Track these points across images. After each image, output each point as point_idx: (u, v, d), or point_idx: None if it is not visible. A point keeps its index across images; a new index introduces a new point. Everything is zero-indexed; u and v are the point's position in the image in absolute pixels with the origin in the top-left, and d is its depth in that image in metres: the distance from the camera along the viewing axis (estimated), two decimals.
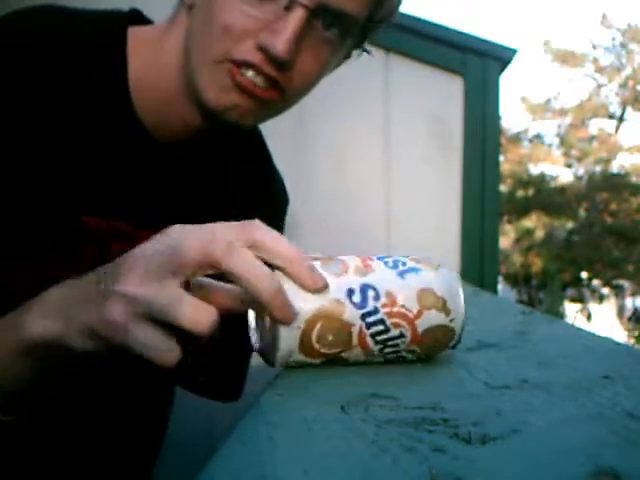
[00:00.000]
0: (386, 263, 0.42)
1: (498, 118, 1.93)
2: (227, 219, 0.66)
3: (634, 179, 11.28)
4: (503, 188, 10.42)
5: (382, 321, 0.40)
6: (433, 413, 0.30)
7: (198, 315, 0.35)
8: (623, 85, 11.87)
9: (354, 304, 0.39)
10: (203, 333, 0.35)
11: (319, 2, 0.50)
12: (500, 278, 8.93)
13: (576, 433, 0.28)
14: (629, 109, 12.05)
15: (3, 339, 0.42)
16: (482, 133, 1.87)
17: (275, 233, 0.38)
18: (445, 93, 1.87)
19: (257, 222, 0.39)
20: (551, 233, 11.08)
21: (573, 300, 9.51)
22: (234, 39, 0.50)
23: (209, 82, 0.52)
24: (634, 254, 9.86)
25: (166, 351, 0.36)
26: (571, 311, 7.98)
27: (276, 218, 0.73)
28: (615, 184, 10.78)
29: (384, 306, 0.40)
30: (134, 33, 0.58)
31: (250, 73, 0.51)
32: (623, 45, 11.78)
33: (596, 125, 12.40)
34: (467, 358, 0.46)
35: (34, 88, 0.52)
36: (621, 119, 12.17)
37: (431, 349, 0.44)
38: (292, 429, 0.29)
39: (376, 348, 0.41)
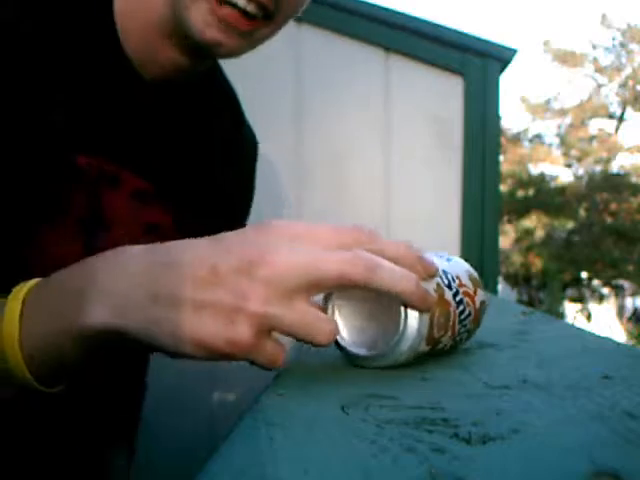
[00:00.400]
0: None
1: (498, 118, 1.93)
2: (205, 161, 0.66)
3: (634, 179, 11.28)
4: (503, 188, 10.41)
5: (462, 301, 0.44)
6: (433, 413, 0.30)
7: (326, 330, 0.35)
8: (623, 85, 11.87)
9: (446, 285, 0.42)
10: (328, 345, 0.36)
11: None
12: (500, 278, 8.93)
13: (576, 433, 0.28)
14: (629, 109, 12.05)
15: (48, 320, 0.38)
16: (482, 133, 1.87)
17: (382, 238, 0.38)
18: (445, 93, 1.87)
19: (367, 230, 0.38)
20: (551, 233, 11.08)
21: (573, 300, 9.51)
22: None
23: (193, 17, 0.52)
24: (634, 254, 9.86)
25: (280, 359, 0.36)
26: (571, 311, 7.98)
27: (251, 160, 0.76)
28: (615, 184, 10.78)
29: (460, 286, 0.44)
30: None
31: (240, 1, 0.51)
32: (623, 45, 11.78)
33: (596, 125, 12.40)
34: (467, 358, 0.46)
35: (15, 24, 0.50)
36: (621, 119, 12.18)
37: (475, 329, 0.48)
38: (292, 429, 0.29)
39: (458, 328, 0.44)
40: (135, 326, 0.35)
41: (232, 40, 0.53)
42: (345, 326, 0.42)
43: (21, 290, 0.39)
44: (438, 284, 0.42)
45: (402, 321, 0.39)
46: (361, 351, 0.41)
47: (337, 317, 0.42)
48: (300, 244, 0.35)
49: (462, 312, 0.44)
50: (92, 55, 0.55)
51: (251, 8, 0.51)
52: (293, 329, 0.35)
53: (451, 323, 0.43)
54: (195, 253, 0.35)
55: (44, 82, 0.51)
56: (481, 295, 0.47)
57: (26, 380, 0.38)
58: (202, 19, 0.52)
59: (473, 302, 0.46)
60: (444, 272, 0.43)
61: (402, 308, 0.39)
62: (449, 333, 0.43)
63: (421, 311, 0.39)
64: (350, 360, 0.42)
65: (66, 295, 0.38)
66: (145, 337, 0.35)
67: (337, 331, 0.37)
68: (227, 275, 0.34)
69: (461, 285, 0.44)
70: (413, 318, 0.39)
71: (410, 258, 0.38)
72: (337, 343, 0.42)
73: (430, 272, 0.40)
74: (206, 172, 0.67)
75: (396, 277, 0.36)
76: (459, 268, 0.46)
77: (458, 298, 0.43)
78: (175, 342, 0.34)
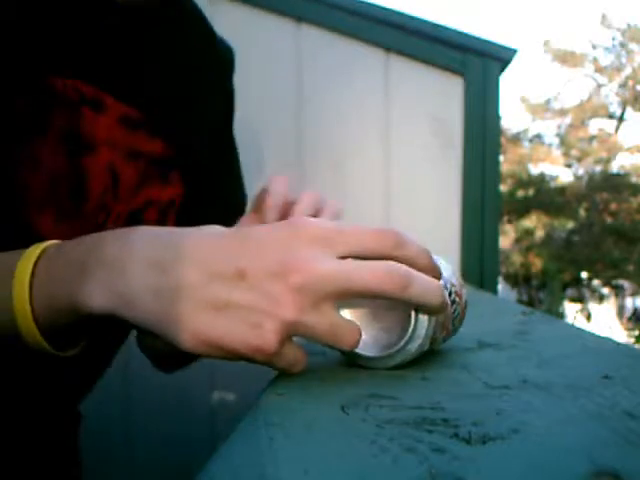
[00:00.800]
0: None
1: (498, 118, 1.93)
2: (183, 82, 0.65)
3: (634, 179, 11.28)
4: (503, 188, 10.41)
5: (455, 301, 0.45)
6: (433, 413, 0.30)
7: (351, 338, 0.36)
8: (623, 85, 11.87)
9: (444, 287, 0.43)
10: (352, 349, 0.37)
11: None
12: (500, 278, 8.93)
13: (576, 433, 0.28)
14: (629, 109, 12.05)
15: (52, 286, 0.36)
16: (482, 133, 1.87)
17: (412, 244, 0.38)
18: (445, 93, 1.87)
19: (396, 234, 0.37)
20: (551, 233, 11.08)
21: (573, 300, 9.51)
22: None
23: None
24: (634, 254, 9.86)
25: (301, 362, 0.37)
26: (571, 311, 7.97)
27: (228, 70, 0.74)
28: (615, 184, 10.78)
29: (452, 286, 0.45)
30: None
31: None
32: (623, 45, 11.78)
33: (596, 125, 12.40)
34: (467, 358, 0.46)
35: None
36: (621, 119, 12.17)
37: (459, 327, 0.49)
38: (292, 429, 0.29)
39: (450, 327, 0.45)
40: (137, 318, 0.34)
41: None
42: None
43: (34, 251, 0.38)
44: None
45: (413, 323, 0.39)
46: (366, 352, 0.41)
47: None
48: (332, 248, 0.35)
49: (454, 311, 0.45)
50: None
51: None
52: (321, 336, 0.35)
53: (447, 323, 0.44)
54: (218, 247, 0.34)
55: (13, 4, 0.50)
56: (465, 294, 0.49)
57: (37, 341, 0.37)
58: None
59: (461, 301, 0.47)
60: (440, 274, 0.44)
61: (413, 311, 0.39)
62: (444, 332, 0.44)
63: (435, 315, 0.40)
64: (352, 360, 0.42)
65: (71, 266, 0.36)
66: (145, 326, 0.34)
67: (360, 335, 0.37)
68: (257, 278, 0.33)
69: (452, 285, 0.45)
70: (424, 320, 0.40)
71: (433, 267, 0.39)
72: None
73: (436, 274, 0.40)
74: (186, 94, 0.66)
75: (428, 291, 0.36)
76: (448, 268, 0.46)
77: (452, 298, 0.44)
78: (186, 338, 0.33)
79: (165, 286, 0.33)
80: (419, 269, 0.37)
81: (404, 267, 0.36)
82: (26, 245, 0.40)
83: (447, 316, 0.43)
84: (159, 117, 0.61)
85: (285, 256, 0.33)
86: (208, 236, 0.35)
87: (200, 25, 0.71)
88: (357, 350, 0.41)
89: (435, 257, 0.46)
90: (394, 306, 0.40)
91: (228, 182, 0.77)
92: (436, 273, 0.39)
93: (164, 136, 0.61)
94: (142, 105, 0.59)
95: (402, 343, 0.40)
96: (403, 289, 0.35)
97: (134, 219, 0.60)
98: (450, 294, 0.44)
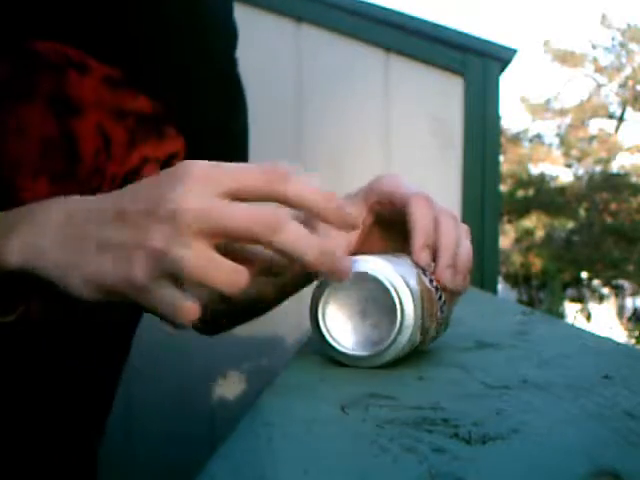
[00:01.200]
0: None
1: (498, 118, 1.93)
2: (168, 33, 0.62)
3: (634, 179, 11.28)
4: (503, 188, 10.41)
5: (438, 287, 0.44)
6: (433, 413, 0.30)
7: (231, 279, 0.34)
8: (623, 85, 11.87)
9: (423, 273, 0.43)
10: (234, 295, 0.34)
11: None
12: (500, 278, 8.93)
13: (576, 433, 0.28)
14: (629, 109, 12.05)
15: None
16: (482, 133, 1.87)
17: (299, 180, 0.36)
18: (445, 93, 1.87)
19: (282, 171, 0.35)
20: (551, 233, 11.08)
21: (573, 300, 9.51)
22: None
23: None
24: (634, 254, 9.86)
25: (184, 308, 0.34)
26: (571, 311, 7.98)
27: (229, 11, 0.70)
28: (615, 184, 10.78)
29: (432, 274, 0.44)
30: None
31: None
32: (623, 45, 11.78)
33: (596, 125, 12.41)
34: (466, 358, 0.46)
35: None
36: (621, 119, 12.18)
37: (450, 316, 0.48)
38: (292, 429, 0.29)
39: (439, 315, 0.44)
40: (46, 270, 0.35)
41: None
42: (338, 328, 0.42)
43: None
44: (417, 274, 0.42)
45: (399, 314, 0.39)
46: (358, 352, 0.41)
47: (329, 320, 0.42)
48: (212, 187, 0.34)
49: (440, 298, 0.44)
50: None
51: None
52: (192, 273, 0.33)
53: (435, 310, 0.43)
54: (107, 199, 0.36)
55: None
56: None
57: None
58: None
59: (444, 288, 0.46)
60: (414, 263, 0.44)
61: (397, 301, 0.39)
62: (435, 321, 0.44)
63: (330, 277, 0.38)
64: (347, 362, 0.42)
65: (3, 226, 0.38)
66: (56, 281, 0.35)
67: (248, 279, 0.34)
68: (133, 216, 0.34)
69: (432, 273, 0.44)
70: (410, 310, 0.39)
71: (329, 211, 0.37)
72: (331, 346, 0.42)
73: (351, 224, 0.38)
74: (172, 48, 0.63)
75: (299, 241, 0.34)
76: (402, 260, 0.46)
77: (434, 284, 0.44)
78: (81, 285, 0.35)
79: (69, 236, 0.36)
80: (315, 212, 0.36)
81: (282, 211, 0.35)
82: None
83: (433, 302, 0.43)
84: (142, 74, 0.59)
85: (160, 193, 0.34)
86: (107, 194, 0.37)
87: None
88: (349, 350, 0.41)
89: (391, 256, 0.45)
90: (382, 300, 0.40)
91: (230, 124, 0.72)
92: (338, 218, 0.37)
93: (150, 93, 0.59)
94: (124, 64, 0.58)
95: (392, 336, 0.39)
96: (272, 233, 0.34)
97: (131, 178, 0.59)
98: (431, 280, 0.43)
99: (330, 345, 0.42)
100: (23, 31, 0.51)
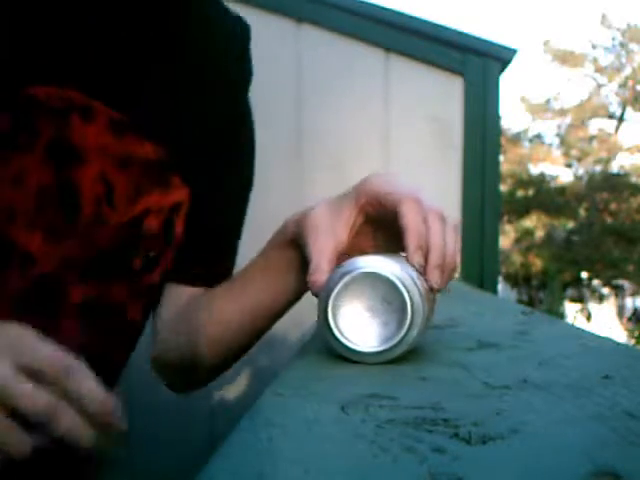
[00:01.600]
0: None
1: (498, 118, 1.93)
2: (182, 74, 0.61)
3: (634, 179, 11.28)
4: (503, 188, 10.41)
5: (430, 286, 0.46)
6: (433, 413, 0.30)
7: (16, 448, 0.35)
8: (623, 85, 11.87)
9: (415, 270, 0.44)
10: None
11: None
12: (500, 278, 8.93)
13: (576, 433, 0.28)
14: (629, 109, 12.05)
15: None
16: (482, 133, 1.87)
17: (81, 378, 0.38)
18: (445, 93, 1.87)
19: (69, 364, 0.38)
20: (551, 233, 11.07)
21: (573, 300, 9.51)
22: None
23: None
24: (634, 254, 9.86)
25: (16, 445, 0.36)
26: (571, 311, 7.97)
27: (242, 52, 0.68)
28: (615, 184, 10.78)
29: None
30: None
31: None
32: (623, 45, 11.78)
33: (596, 125, 12.39)
34: (467, 358, 0.46)
35: None
36: (621, 119, 12.17)
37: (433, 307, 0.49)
38: (292, 429, 0.29)
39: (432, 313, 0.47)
40: None
41: None
42: (347, 326, 0.42)
43: None
44: (418, 273, 0.44)
45: (410, 312, 0.41)
46: (368, 348, 0.42)
47: (339, 318, 0.42)
48: (13, 357, 0.37)
49: (434, 296, 0.47)
50: None
51: None
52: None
53: (433, 308, 0.46)
54: None
55: None
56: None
57: None
58: None
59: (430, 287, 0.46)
60: (405, 265, 0.44)
61: (408, 299, 0.41)
62: (431, 318, 0.46)
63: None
64: (356, 359, 0.42)
65: None
66: None
67: (30, 449, 0.36)
68: None
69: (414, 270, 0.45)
70: (420, 308, 0.41)
71: (100, 411, 0.38)
72: (341, 343, 0.42)
73: (108, 425, 0.38)
74: (180, 93, 0.61)
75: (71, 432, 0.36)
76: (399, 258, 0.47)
77: (428, 283, 0.45)
78: None
79: None
80: (85, 408, 0.37)
81: (44, 399, 0.36)
82: (13, 267, 0.41)
83: (431, 301, 0.45)
84: (148, 119, 0.58)
85: None
86: None
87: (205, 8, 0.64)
88: (359, 347, 0.42)
89: (396, 255, 0.46)
90: (390, 299, 0.41)
91: (232, 179, 0.71)
92: (104, 416, 0.37)
93: (155, 138, 0.58)
94: (130, 108, 0.56)
95: (402, 334, 0.41)
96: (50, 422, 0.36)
97: (134, 229, 0.58)
98: (425, 280, 0.44)
99: (340, 342, 0.42)
100: (24, 77, 0.50)
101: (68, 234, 0.54)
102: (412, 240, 0.44)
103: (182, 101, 0.62)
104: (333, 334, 0.42)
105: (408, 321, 0.41)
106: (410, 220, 0.45)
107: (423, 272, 0.44)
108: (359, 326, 0.42)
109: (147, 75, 0.58)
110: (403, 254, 0.46)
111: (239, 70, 0.68)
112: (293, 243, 0.55)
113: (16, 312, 0.52)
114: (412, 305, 0.41)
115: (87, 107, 0.53)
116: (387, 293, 0.42)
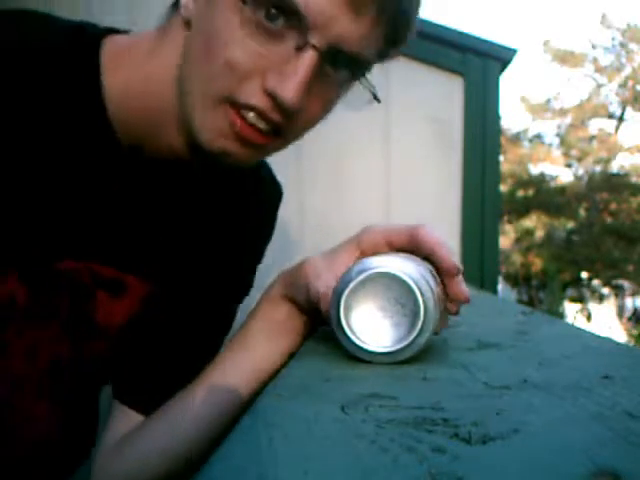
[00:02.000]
0: None
1: (498, 118, 1.93)
2: (217, 247, 0.61)
3: (634, 179, 11.27)
4: (503, 188, 10.41)
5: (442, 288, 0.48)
6: (433, 413, 0.30)
7: None
8: (623, 85, 11.87)
9: (432, 277, 0.45)
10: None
11: (332, 45, 0.45)
12: (500, 278, 8.93)
13: (576, 433, 0.28)
14: (629, 109, 12.05)
15: None
16: (482, 133, 1.87)
17: None
18: (445, 93, 1.87)
19: None
20: (551, 233, 11.07)
21: (573, 300, 9.51)
22: (239, 78, 0.45)
23: (205, 123, 0.47)
24: (634, 254, 9.86)
25: None
26: (571, 311, 7.98)
27: (270, 220, 0.69)
28: (615, 184, 10.78)
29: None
30: (112, 41, 0.51)
31: (252, 115, 0.46)
32: (623, 45, 11.78)
33: (596, 125, 12.41)
34: (467, 358, 0.46)
35: None
36: (621, 119, 12.17)
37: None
38: (292, 429, 0.29)
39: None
40: None
41: (244, 151, 0.49)
42: (360, 325, 0.42)
43: None
44: (432, 273, 0.45)
45: (422, 317, 0.41)
46: (380, 348, 0.42)
47: (351, 316, 0.42)
48: None
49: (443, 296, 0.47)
50: (74, 139, 0.49)
51: (264, 126, 0.47)
52: None
53: (443, 307, 0.46)
54: None
55: (14, 172, 0.46)
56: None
57: None
58: (217, 128, 0.47)
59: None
60: (425, 263, 0.46)
61: (421, 300, 0.41)
62: (442, 317, 0.46)
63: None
64: (369, 358, 0.42)
65: None
66: None
67: None
68: None
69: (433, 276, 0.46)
70: (433, 314, 0.41)
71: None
72: (353, 343, 0.42)
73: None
74: (216, 258, 0.62)
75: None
76: (418, 261, 0.47)
77: (439, 282, 0.46)
78: None
79: None
80: None
81: None
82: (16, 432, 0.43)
83: (442, 300, 0.45)
84: (176, 286, 0.58)
85: None
86: None
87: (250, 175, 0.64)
88: (369, 346, 0.42)
89: (411, 257, 0.46)
90: (403, 301, 0.42)
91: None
92: None
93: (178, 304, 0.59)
94: (159, 277, 0.56)
95: (412, 337, 0.41)
96: None
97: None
98: (437, 280, 0.45)
99: (352, 341, 0.42)
100: (49, 252, 0.48)
101: (75, 401, 0.54)
102: (444, 253, 0.45)
103: (205, 272, 0.61)
104: (344, 332, 0.42)
105: (420, 324, 0.41)
106: (434, 243, 0.46)
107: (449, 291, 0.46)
108: (371, 325, 0.42)
109: (175, 251, 0.58)
110: (416, 256, 0.46)
111: (266, 234, 0.69)
112: (286, 297, 0.54)
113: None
114: (425, 308, 0.41)
115: (118, 281, 0.53)
116: (401, 294, 0.42)
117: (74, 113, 0.49)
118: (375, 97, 0.53)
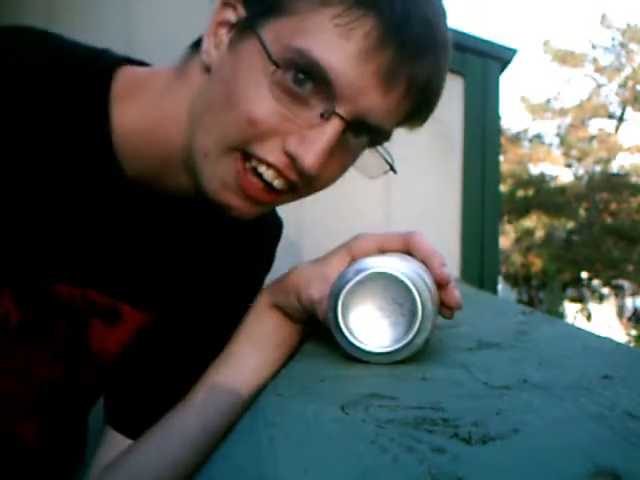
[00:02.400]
0: None
1: (498, 118, 1.93)
2: (214, 280, 0.60)
3: (634, 179, 11.28)
4: (503, 188, 10.41)
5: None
6: (433, 413, 0.30)
7: None
8: (623, 85, 11.87)
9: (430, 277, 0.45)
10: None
11: (358, 116, 0.45)
12: (500, 278, 8.93)
13: (576, 433, 0.28)
14: (629, 109, 12.05)
15: None
16: (482, 133, 1.87)
17: None
18: (445, 93, 1.87)
19: None
20: (551, 233, 11.07)
21: (573, 300, 9.51)
22: (259, 135, 0.45)
23: (212, 171, 0.47)
24: (634, 254, 9.86)
25: None
26: (571, 311, 7.98)
27: (270, 254, 0.68)
28: (615, 184, 10.78)
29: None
30: (127, 71, 0.51)
31: (270, 172, 0.46)
32: (623, 45, 11.78)
33: (596, 125, 12.41)
34: (467, 358, 0.46)
35: None
36: (621, 119, 12.17)
37: None
38: (292, 429, 0.29)
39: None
40: None
41: (247, 207, 0.48)
42: (357, 325, 0.42)
43: None
44: (428, 273, 0.44)
45: (420, 316, 0.41)
46: (378, 348, 0.42)
47: (348, 317, 0.42)
48: None
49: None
50: (79, 169, 0.48)
51: (278, 183, 0.47)
52: None
53: (438, 305, 0.46)
54: None
55: (18, 196, 0.46)
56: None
57: None
58: (222, 179, 0.47)
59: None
60: (421, 264, 0.46)
61: (418, 299, 0.41)
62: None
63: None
64: (366, 359, 0.42)
65: None
66: None
67: None
68: None
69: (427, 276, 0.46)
70: (430, 313, 0.41)
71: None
72: (351, 343, 0.42)
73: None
74: (213, 290, 0.61)
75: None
76: (414, 261, 0.47)
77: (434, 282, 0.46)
78: None
79: None
80: None
81: None
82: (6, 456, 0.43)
83: (439, 302, 0.45)
84: (173, 315, 0.57)
85: None
86: None
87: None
88: (367, 347, 0.42)
89: (407, 257, 0.46)
90: (400, 301, 0.42)
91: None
92: None
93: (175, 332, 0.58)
94: (155, 306, 0.55)
95: (410, 336, 0.41)
96: None
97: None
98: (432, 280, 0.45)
99: (348, 341, 0.42)
100: (45, 275, 0.48)
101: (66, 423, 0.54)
102: (436, 263, 0.45)
103: (202, 301, 0.61)
104: (342, 332, 0.42)
105: (418, 323, 0.41)
106: (425, 248, 0.46)
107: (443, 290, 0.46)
108: (368, 326, 0.42)
109: (173, 282, 0.57)
110: (412, 257, 0.46)
111: (265, 267, 0.68)
112: (274, 307, 0.53)
113: None
114: (423, 307, 0.41)
115: (113, 310, 0.52)
116: (398, 294, 0.42)
117: (78, 140, 0.48)
118: (391, 168, 0.53)
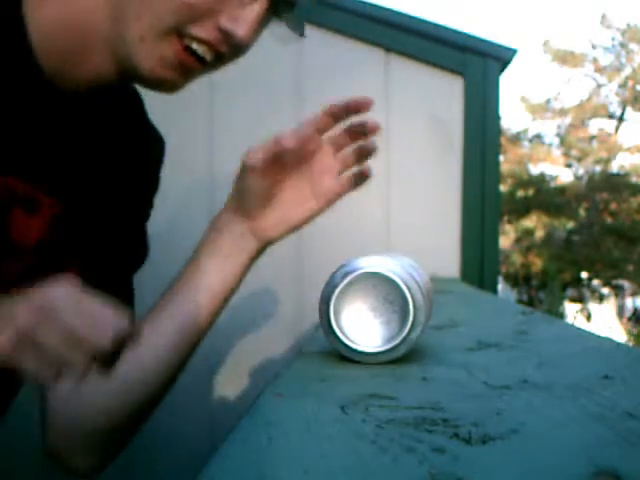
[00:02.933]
0: None
1: (498, 118, 1.93)
2: (113, 169, 0.63)
3: (634, 179, 11.28)
4: (503, 188, 10.41)
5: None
6: (433, 413, 0.30)
7: None
8: (623, 85, 11.87)
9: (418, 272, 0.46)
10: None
11: None
12: (500, 278, 8.93)
13: (576, 433, 0.28)
14: (629, 109, 12.05)
15: None
16: (482, 133, 1.87)
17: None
18: (445, 93, 1.87)
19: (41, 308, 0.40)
20: (551, 233, 11.07)
21: (573, 300, 9.51)
22: (194, 17, 0.49)
23: (149, 53, 0.50)
24: (634, 254, 9.86)
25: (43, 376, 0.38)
26: (571, 311, 7.98)
27: (158, 162, 0.71)
28: (615, 184, 10.78)
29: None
30: None
31: (202, 48, 0.51)
32: (623, 45, 11.78)
33: (596, 125, 12.39)
34: (467, 358, 0.46)
35: None
36: (621, 119, 12.17)
37: None
38: (292, 429, 0.29)
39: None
40: None
41: (181, 80, 0.53)
42: (350, 326, 0.42)
43: None
44: (420, 272, 0.46)
45: (412, 312, 0.41)
46: (371, 348, 0.42)
47: (341, 318, 0.42)
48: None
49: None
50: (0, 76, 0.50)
51: (209, 56, 0.52)
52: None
53: (431, 302, 0.47)
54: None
55: None
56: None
57: None
58: (161, 58, 0.50)
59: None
60: (414, 263, 0.47)
61: (410, 299, 0.41)
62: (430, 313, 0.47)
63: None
64: (359, 359, 0.42)
65: None
66: None
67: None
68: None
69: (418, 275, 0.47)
70: (422, 308, 0.41)
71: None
72: (344, 344, 0.42)
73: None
74: (113, 180, 0.63)
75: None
76: (399, 257, 0.47)
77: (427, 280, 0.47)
78: None
79: None
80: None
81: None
82: None
83: (432, 300, 0.46)
84: (79, 203, 0.58)
85: None
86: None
87: (134, 110, 0.67)
88: (361, 347, 0.42)
89: (394, 255, 0.47)
90: (392, 298, 0.42)
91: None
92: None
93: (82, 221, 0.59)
94: (65, 193, 0.56)
95: (405, 333, 0.41)
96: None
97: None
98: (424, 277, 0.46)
99: (342, 343, 0.42)
100: None
101: None
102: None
103: (110, 189, 0.63)
104: (335, 334, 0.42)
105: (411, 320, 0.41)
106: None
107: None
108: (361, 326, 0.42)
109: (81, 171, 0.59)
110: (405, 256, 0.47)
111: (154, 179, 0.71)
112: (231, 210, 0.58)
113: None
114: (414, 304, 0.41)
115: (32, 199, 0.53)
116: (389, 292, 0.42)
117: None
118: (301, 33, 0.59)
